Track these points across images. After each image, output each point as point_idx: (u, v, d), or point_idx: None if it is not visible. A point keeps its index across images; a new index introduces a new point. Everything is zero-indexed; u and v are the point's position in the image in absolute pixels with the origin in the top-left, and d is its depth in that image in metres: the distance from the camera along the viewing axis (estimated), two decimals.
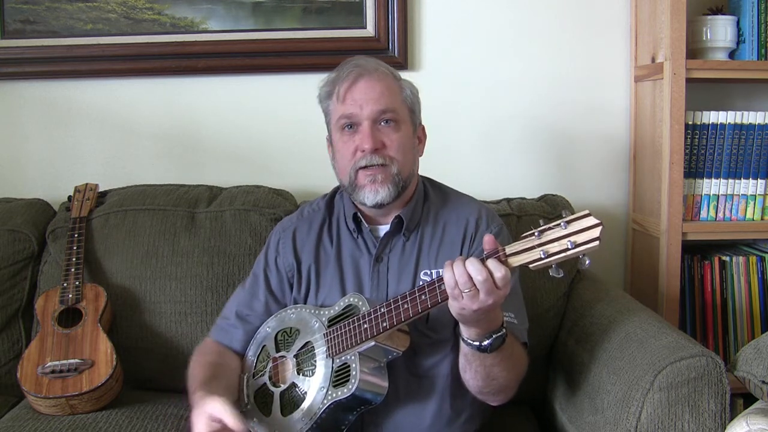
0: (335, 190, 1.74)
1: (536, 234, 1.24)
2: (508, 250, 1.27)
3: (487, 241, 1.30)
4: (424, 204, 1.65)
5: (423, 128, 1.69)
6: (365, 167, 1.54)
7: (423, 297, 1.37)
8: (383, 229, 1.63)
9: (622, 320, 1.66)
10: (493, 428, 1.70)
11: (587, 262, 1.20)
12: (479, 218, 1.62)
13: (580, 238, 1.19)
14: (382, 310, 1.42)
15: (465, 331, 1.37)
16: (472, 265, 1.27)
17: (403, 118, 1.58)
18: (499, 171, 2.33)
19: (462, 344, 1.41)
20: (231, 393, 1.54)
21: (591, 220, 1.19)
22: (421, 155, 1.67)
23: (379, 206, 1.57)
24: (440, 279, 1.34)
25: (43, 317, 1.88)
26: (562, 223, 1.21)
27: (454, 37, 2.30)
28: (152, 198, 2.08)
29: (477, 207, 1.66)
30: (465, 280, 1.27)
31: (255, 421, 1.55)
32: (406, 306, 1.39)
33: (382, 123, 1.55)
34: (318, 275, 1.64)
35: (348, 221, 1.64)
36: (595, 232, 1.18)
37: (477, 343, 1.37)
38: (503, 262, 1.27)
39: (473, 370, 1.44)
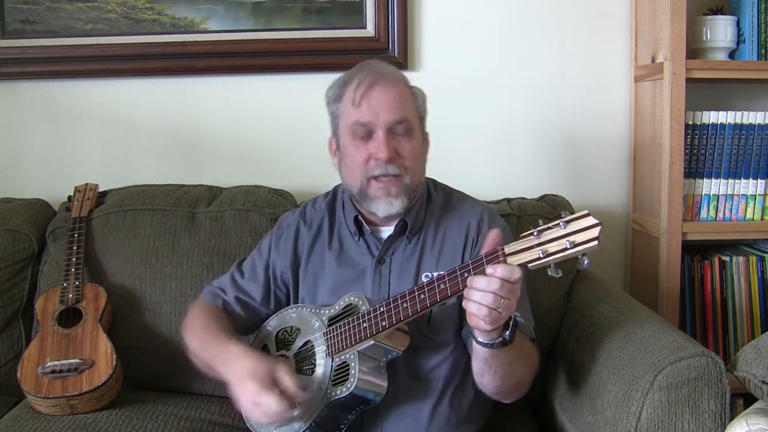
0: (336, 190, 1.73)
1: (535, 234, 1.23)
2: (507, 249, 1.27)
3: (491, 237, 1.30)
4: (427, 206, 1.64)
5: (428, 135, 1.65)
6: (378, 177, 1.53)
7: (422, 296, 1.37)
8: (385, 231, 1.62)
9: (622, 320, 1.66)
10: (493, 428, 1.70)
11: (586, 262, 1.20)
12: (481, 221, 1.62)
13: (579, 237, 1.19)
14: (382, 309, 1.42)
15: (486, 336, 1.34)
16: (487, 283, 1.25)
17: (416, 127, 1.57)
18: (498, 171, 2.33)
19: (481, 349, 1.37)
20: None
21: (590, 220, 1.19)
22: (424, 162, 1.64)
23: (390, 218, 1.57)
24: (440, 278, 1.34)
25: (43, 317, 1.88)
26: (561, 223, 1.21)
27: (454, 37, 2.30)
28: (152, 198, 2.08)
29: (479, 209, 1.65)
30: (491, 299, 1.25)
31: (255, 419, 1.55)
32: (405, 305, 1.39)
33: (397, 131, 1.53)
34: (317, 276, 1.64)
35: (349, 224, 1.64)
36: (594, 232, 1.17)
37: (500, 339, 1.34)
38: (502, 261, 1.26)
39: (492, 372, 1.43)
